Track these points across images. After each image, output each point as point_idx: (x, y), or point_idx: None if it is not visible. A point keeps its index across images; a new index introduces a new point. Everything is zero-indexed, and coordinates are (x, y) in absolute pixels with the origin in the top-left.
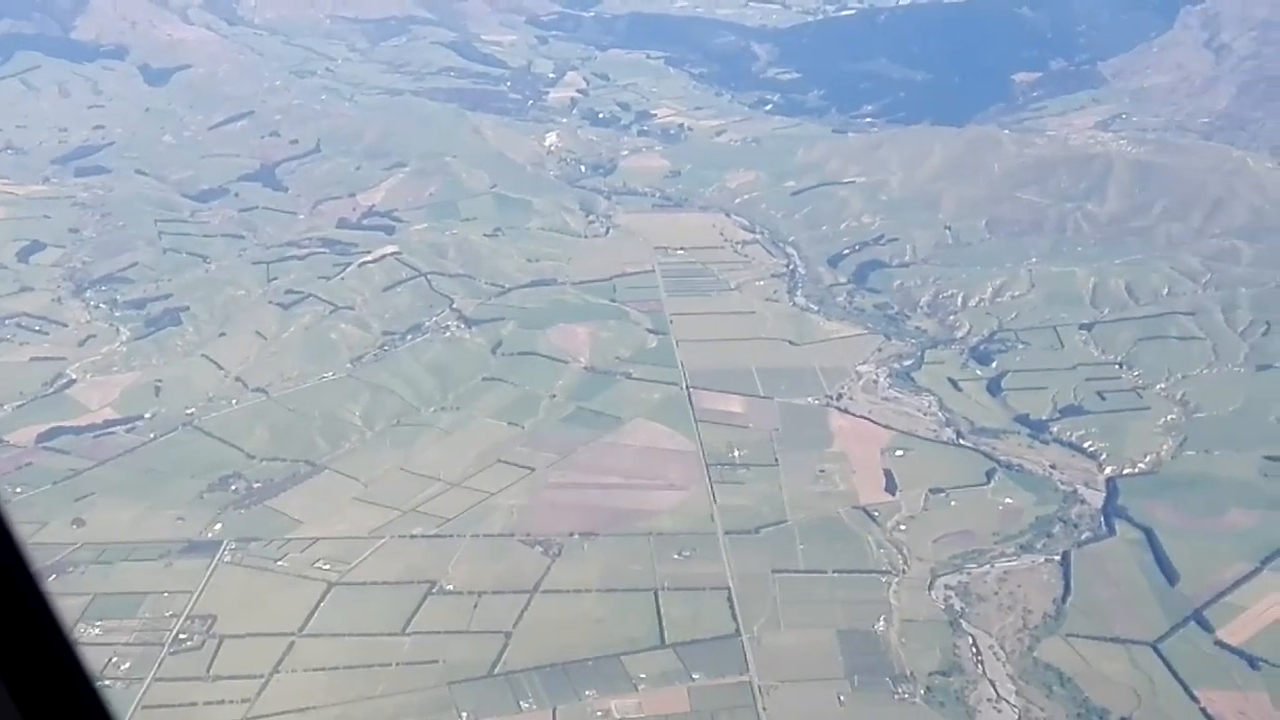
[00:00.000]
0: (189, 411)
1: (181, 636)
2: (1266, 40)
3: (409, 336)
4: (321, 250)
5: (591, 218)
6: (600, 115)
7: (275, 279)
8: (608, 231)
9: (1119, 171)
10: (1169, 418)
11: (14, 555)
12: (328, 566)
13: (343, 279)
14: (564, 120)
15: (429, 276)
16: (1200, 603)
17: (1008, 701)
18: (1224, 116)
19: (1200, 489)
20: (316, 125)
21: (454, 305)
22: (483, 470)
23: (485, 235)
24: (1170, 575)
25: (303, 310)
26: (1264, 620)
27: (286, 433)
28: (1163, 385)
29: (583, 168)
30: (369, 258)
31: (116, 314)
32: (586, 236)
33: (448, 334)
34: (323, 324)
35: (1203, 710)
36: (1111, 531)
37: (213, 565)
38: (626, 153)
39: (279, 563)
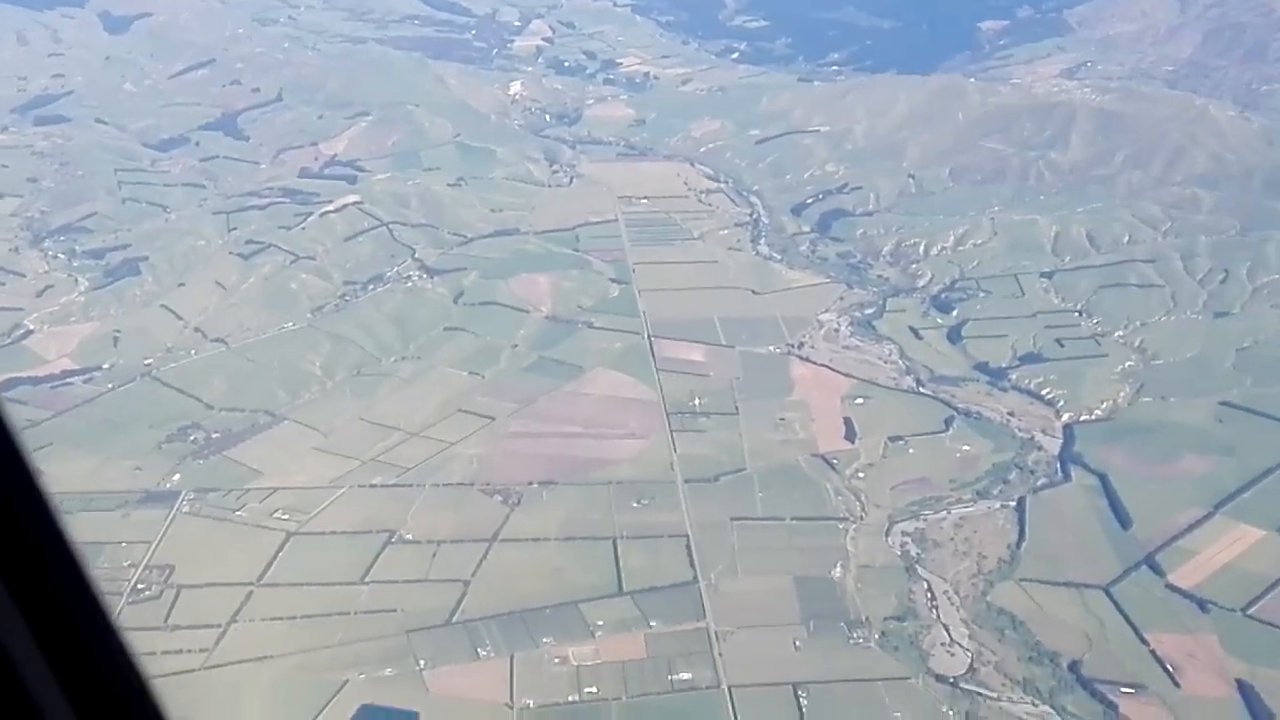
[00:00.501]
0: (147, 362)
1: (139, 586)
2: None
3: (370, 286)
4: (283, 200)
5: (555, 167)
6: (565, 64)
7: (235, 229)
8: (571, 181)
9: (1082, 120)
10: (1127, 365)
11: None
12: (286, 516)
13: (304, 229)
14: (529, 69)
15: (391, 226)
16: (1153, 547)
17: (961, 645)
18: (1188, 64)
19: (1156, 435)
20: (279, 74)
21: (416, 255)
22: (443, 420)
23: (448, 185)
24: (1124, 520)
25: (263, 260)
26: (1215, 564)
27: (246, 383)
28: (1121, 333)
29: (547, 117)
30: (330, 207)
31: (75, 264)
32: (550, 186)
33: (409, 284)
34: (283, 274)
35: (1152, 653)
36: (1067, 478)
37: (171, 515)
38: (592, 102)
39: (237, 513)
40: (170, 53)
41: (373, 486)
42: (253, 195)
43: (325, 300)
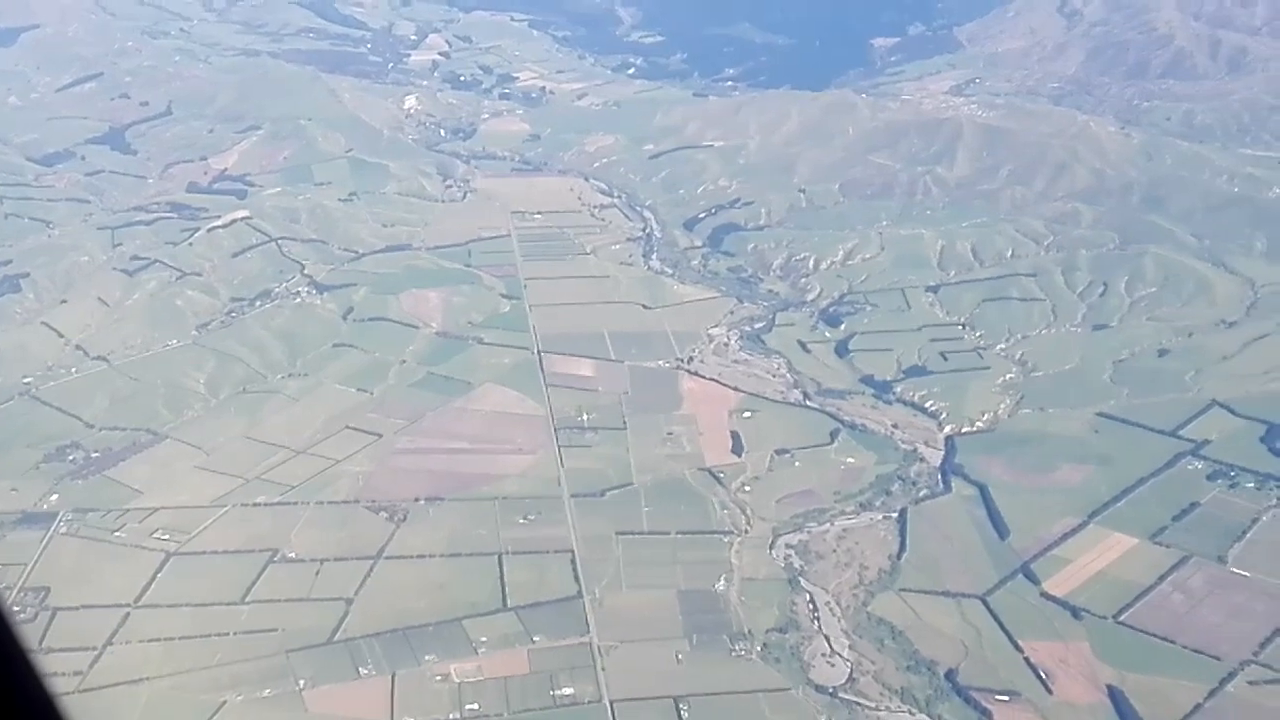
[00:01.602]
0: (26, 380)
1: (14, 609)
2: (1116, 6)
3: (258, 303)
4: (170, 215)
5: (449, 182)
6: (462, 78)
7: (120, 244)
8: (465, 196)
9: (968, 136)
10: (1008, 377)
11: None
12: (167, 536)
13: (191, 245)
14: (424, 83)
15: (280, 242)
16: (1029, 556)
17: (841, 656)
18: (1073, 81)
19: (1034, 446)
20: (168, 87)
21: (305, 271)
22: (330, 437)
23: (340, 200)
24: (1002, 530)
25: (148, 276)
26: (1088, 572)
27: (128, 401)
28: (1003, 345)
29: (442, 131)
30: (219, 223)
31: None
32: (443, 201)
33: (298, 300)
34: (168, 290)
35: (1026, 660)
36: (948, 489)
37: (48, 537)
38: (487, 116)
39: (116, 533)
40: (58, 65)
41: (256, 505)
42: (139, 210)
43: (211, 317)
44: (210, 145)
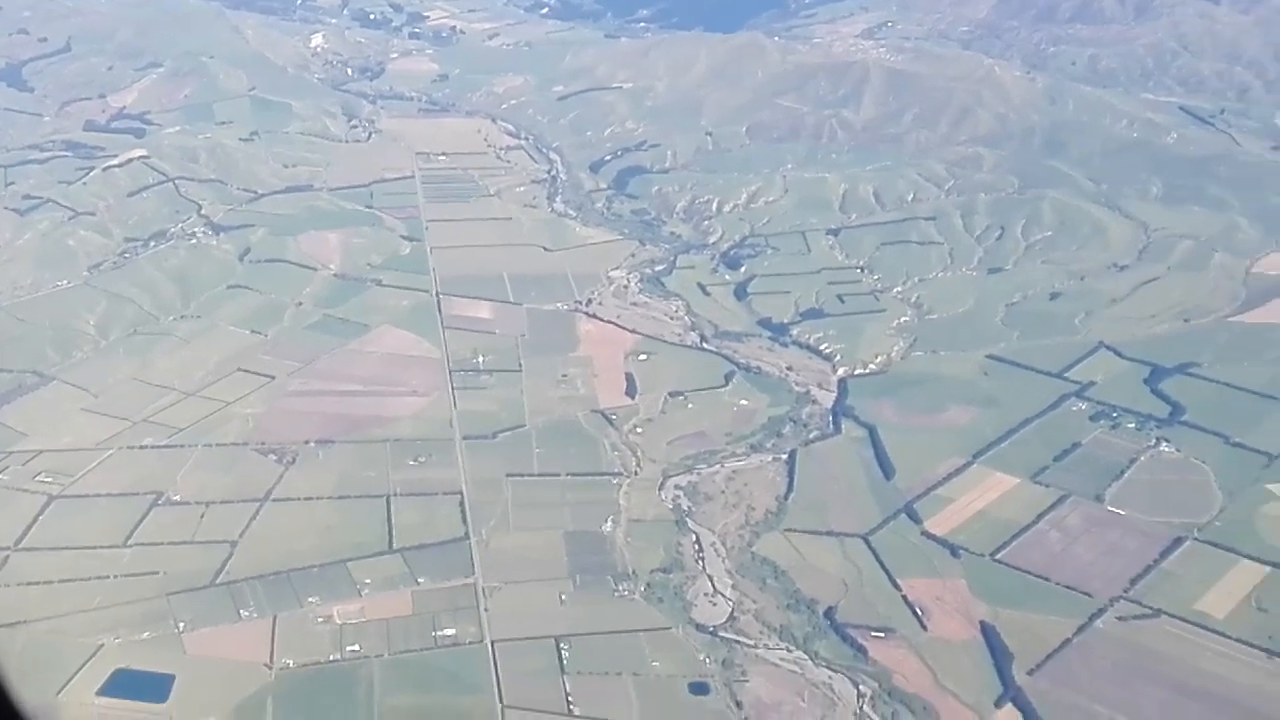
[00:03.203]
0: None
1: None
2: None
3: (152, 243)
4: (65, 154)
5: (354, 122)
6: (371, 16)
7: (13, 183)
8: (370, 136)
9: (875, 79)
10: (902, 320)
11: None
12: (50, 479)
13: (85, 184)
14: (332, 21)
15: (177, 182)
16: (912, 496)
17: (723, 595)
18: (982, 25)
19: (924, 387)
20: (67, 23)
21: (202, 211)
22: (221, 379)
23: (240, 139)
24: (888, 471)
25: (40, 216)
26: (969, 511)
27: (14, 343)
28: (900, 288)
29: (349, 70)
30: (115, 162)
31: None
32: (347, 141)
33: (193, 241)
34: (60, 230)
35: (904, 598)
36: (838, 430)
37: None
38: (395, 55)
39: None
40: None
41: (143, 448)
42: (34, 149)
43: (104, 258)
44: (109, 83)
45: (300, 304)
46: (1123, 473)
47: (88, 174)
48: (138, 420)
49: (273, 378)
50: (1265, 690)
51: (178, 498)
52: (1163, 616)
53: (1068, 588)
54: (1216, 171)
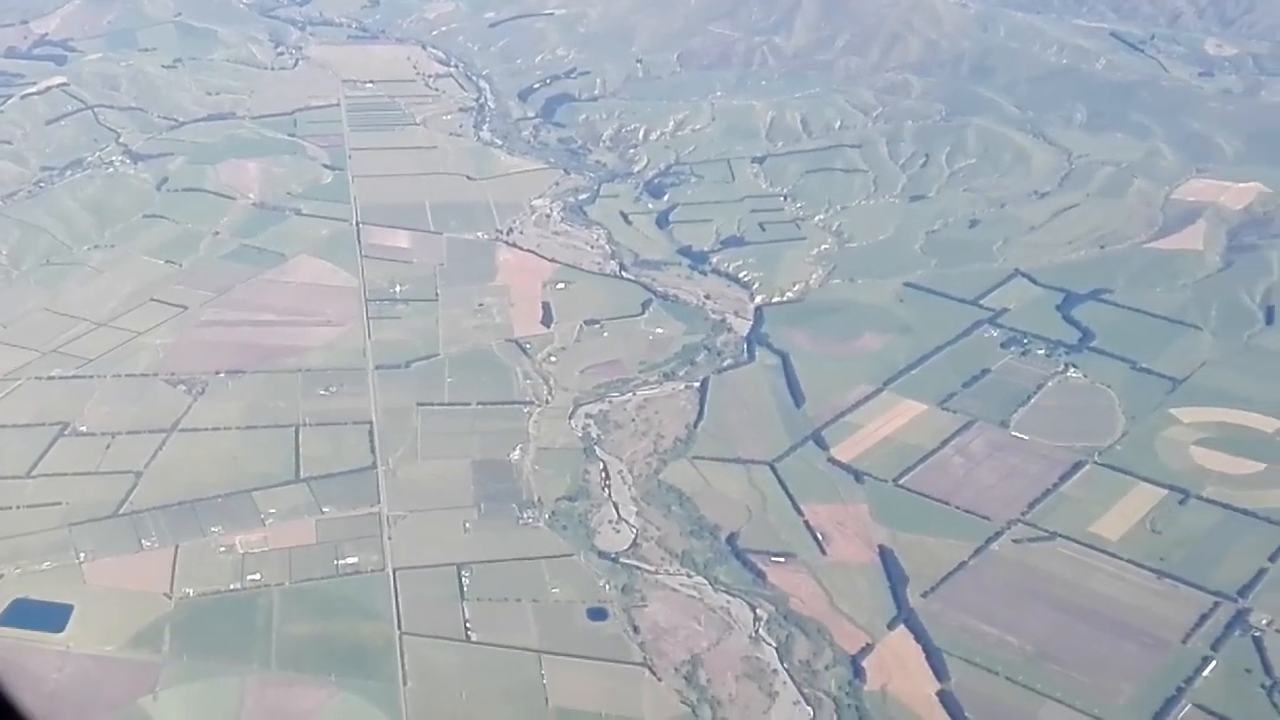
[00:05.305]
0: None
1: None
2: None
3: (68, 172)
4: None
5: (281, 49)
6: None
7: None
8: (296, 64)
9: (807, 5)
10: (823, 248)
11: None
12: None
13: (2, 112)
14: None
15: (97, 109)
16: (821, 423)
17: (627, 522)
18: None
19: (839, 315)
20: None
21: (121, 140)
22: (133, 309)
23: (164, 66)
24: (798, 398)
25: None
26: (875, 437)
27: None
28: (822, 216)
29: None
30: (33, 89)
31: None
32: (273, 69)
33: (111, 169)
34: None
35: (806, 523)
36: (752, 358)
37: None
38: None
39: None
40: None
41: (51, 379)
42: None
43: (19, 187)
44: (31, 8)
45: (217, 233)
46: (1029, 398)
47: (5, 102)
48: (47, 351)
49: (185, 308)
50: (1152, 611)
51: (84, 428)
52: (1058, 539)
53: (967, 512)
54: (1141, 98)
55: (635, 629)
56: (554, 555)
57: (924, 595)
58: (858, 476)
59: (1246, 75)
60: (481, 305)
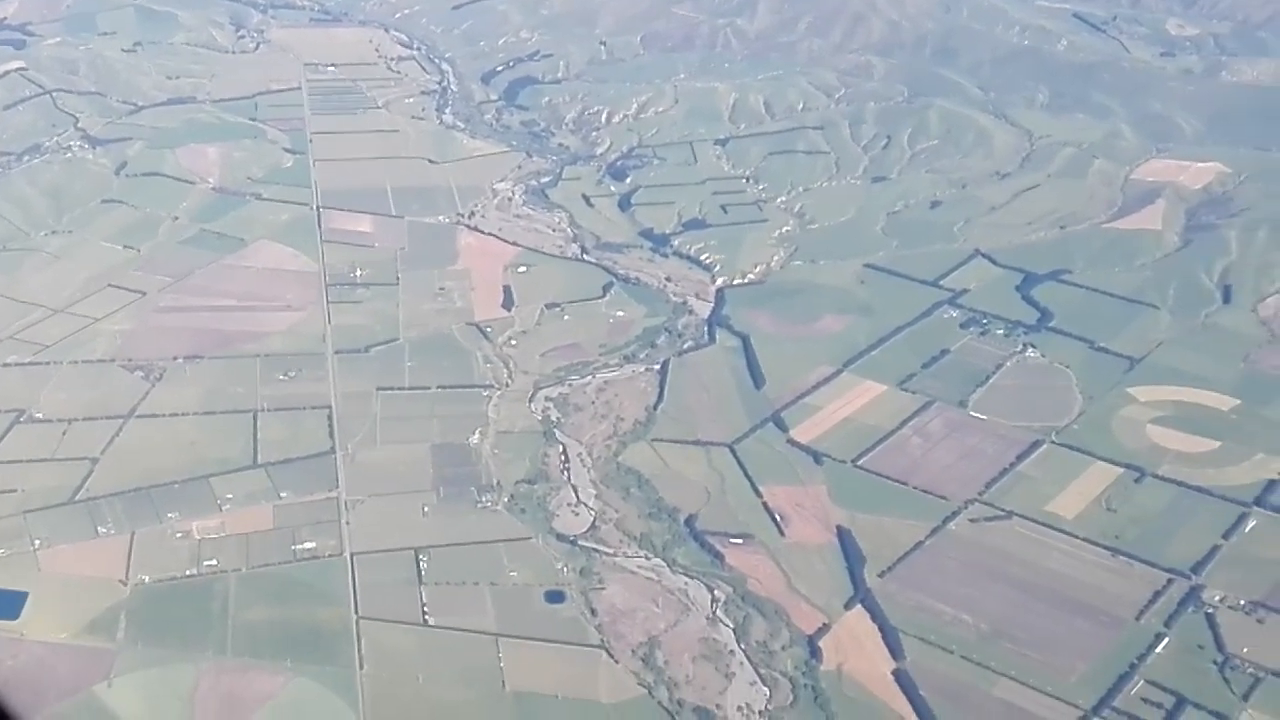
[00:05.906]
0: None
1: None
2: None
3: (25, 157)
4: None
5: (242, 32)
6: None
7: None
8: (258, 47)
9: None
10: (784, 229)
11: None
12: None
13: None
14: None
15: (54, 94)
16: (781, 404)
17: (586, 505)
18: None
19: (800, 297)
20: None
21: (79, 124)
22: (90, 295)
23: (123, 50)
24: (758, 380)
25: None
26: (835, 419)
27: None
28: (784, 198)
29: None
30: None
31: None
32: (234, 52)
33: (68, 154)
34: None
35: (764, 505)
36: (712, 340)
37: None
38: None
39: None
40: None
41: (6, 365)
42: None
43: None
44: None
45: (176, 218)
46: (988, 378)
47: None
48: (3, 338)
49: (144, 294)
50: (1106, 588)
51: (40, 415)
52: (1014, 518)
53: (925, 492)
54: (1103, 78)
55: (593, 611)
56: (512, 538)
57: (881, 575)
58: (817, 458)
59: (1207, 55)
60: (442, 289)
